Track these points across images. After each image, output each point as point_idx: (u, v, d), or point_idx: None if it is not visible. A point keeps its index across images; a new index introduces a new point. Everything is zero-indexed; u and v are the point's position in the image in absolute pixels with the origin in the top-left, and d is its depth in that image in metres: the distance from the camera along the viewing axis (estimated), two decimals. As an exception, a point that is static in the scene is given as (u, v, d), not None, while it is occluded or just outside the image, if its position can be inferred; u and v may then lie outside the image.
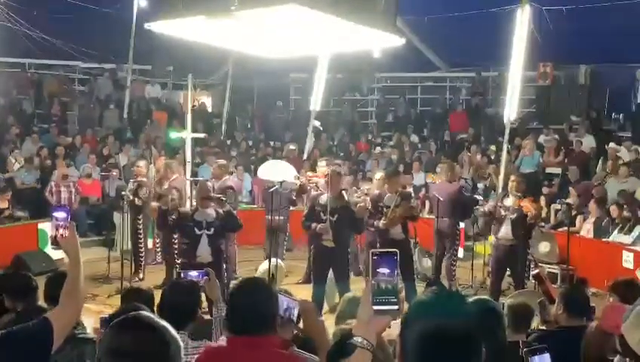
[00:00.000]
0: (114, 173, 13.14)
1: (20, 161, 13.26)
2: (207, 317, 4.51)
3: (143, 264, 10.53)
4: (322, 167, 11.07)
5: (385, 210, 8.57)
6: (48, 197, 12.14)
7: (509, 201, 8.70)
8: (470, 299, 2.66)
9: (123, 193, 10.49)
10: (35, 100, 17.22)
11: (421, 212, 10.99)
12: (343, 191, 8.20)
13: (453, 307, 1.75)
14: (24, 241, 10.71)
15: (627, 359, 1.47)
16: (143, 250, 10.59)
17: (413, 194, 9.36)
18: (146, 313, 1.93)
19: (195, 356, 2.91)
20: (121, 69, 18.08)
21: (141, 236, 10.57)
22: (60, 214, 2.84)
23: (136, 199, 10.21)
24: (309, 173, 11.32)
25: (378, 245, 8.49)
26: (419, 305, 1.82)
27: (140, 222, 10.44)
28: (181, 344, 1.86)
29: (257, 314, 2.68)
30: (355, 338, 2.06)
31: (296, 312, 2.82)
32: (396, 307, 2.01)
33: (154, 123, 17.14)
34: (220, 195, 8.48)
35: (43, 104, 17.32)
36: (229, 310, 2.79)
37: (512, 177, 9.18)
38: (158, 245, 11.48)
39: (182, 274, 4.08)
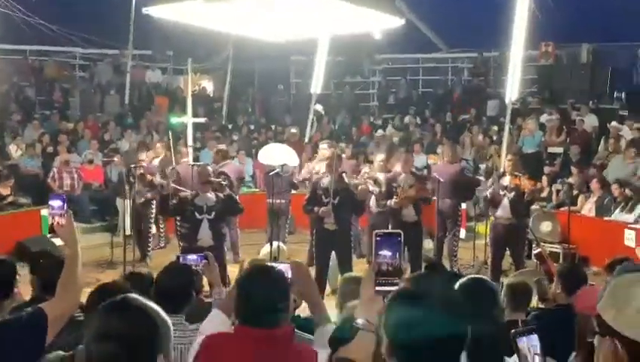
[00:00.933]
0: (115, 159, 13.16)
1: (21, 148, 13.28)
2: (209, 300, 4.53)
3: (150, 248, 10.66)
4: (324, 149, 11.06)
5: (398, 190, 8.58)
6: (51, 184, 12.18)
7: (506, 181, 8.72)
8: (464, 279, 2.67)
9: (132, 181, 10.55)
10: (36, 87, 17.22)
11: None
12: (343, 174, 8.20)
13: (433, 295, 1.74)
14: (27, 228, 10.73)
15: (607, 337, 1.47)
16: (151, 234, 10.75)
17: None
18: (134, 295, 1.89)
19: (194, 338, 2.91)
20: (121, 54, 18.04)
21: (152, 221, 10.75)
22: (56, 202, 2.77)
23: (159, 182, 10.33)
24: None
25: (390, 227, 8.47)
26: (400, 291, 1.82)
27: (153, 207, 10.54)
28: (171, 326, 1.84)
29: (273, 307, 2.59)
30: (357, 321, 2.05)
31: (290, 274, 2.80)
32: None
33: (155, 108, 17.13)
34: (219, 180, 8.51)
35: (44, 90, 17.33)
36: (240, 300, 2.67)
37: (509, 157, 9.29)
38: (162, 230, 11.55)
39: (181, 258, 4.11)
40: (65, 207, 2.78)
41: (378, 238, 2.06)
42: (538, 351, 2.01)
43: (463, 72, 19.47)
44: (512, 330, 2.03)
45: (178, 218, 9.08)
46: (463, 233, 10.56)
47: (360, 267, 8.43)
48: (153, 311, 1.83)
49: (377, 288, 2.03)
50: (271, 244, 9.14)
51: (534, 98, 16.99)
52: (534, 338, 2.03)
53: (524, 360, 2.00)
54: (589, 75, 16.58)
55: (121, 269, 9.33)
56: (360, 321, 2.04)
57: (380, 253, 2.04)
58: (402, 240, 2.07)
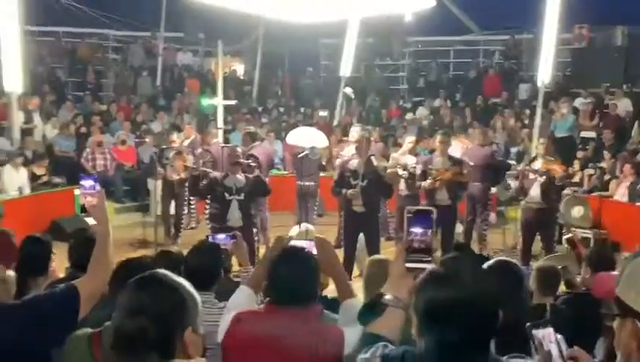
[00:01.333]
0: (147, 141, 13.30)
1: (56, 127, 13.48)
2: (238, 279, 4.59)
3: (182, 228, 10.80)
4: (355, 132, 11.03)
5: (433, 172, 8.55)
6: (84, 164, 12.37)
7: (537, 164, 8.64)
8: (491, 261, 2.66)
9: (165, 162, 10.64)
10: (69, 68, 17.45)
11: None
12: (372, 157, 8.19)
13: (464, 277, 1.75)
14: (61, 207, 10.94)
15: (628, 319, 1.48)
16: (183, 214, 10.89)
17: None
18: (161, 270, 1.90)
19: (223, 315, 2.95)
20: (153, 36, 18.18)
21: (185, 202, 10.86)
22: (87, 182, 2.79)
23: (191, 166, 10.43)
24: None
25: None
26: (431, 273, 1.83)
27: (187, 188, 10.66)
28: (199, 300, 1.86)
29: (302, 287, 2.66)
30: (385, 297, 2.04)
31: (315, 251, 2.84)
32: (430, 266, 1.97)
33: (186, 90, 17.26)
34: (248, 161, 8.56)
35: (77, 72, 17.55)
36: (269, 280, 2.74)
37: (541, 140, 9.21)
38: (193, 211, 11.66)
39: (210, 238, 4.16)
40: (96, 187, 2.80)
41: (409, 215, 2.05)
42: (553, 339, 2.00)
43: (495, 54, 19.21)
44: (527, 324, 2.02)
45: (208, 199, 9.19)
46: (493, 217, 10.49)
47: (388, 250, 8.44)
48: (180, 285, 1.84)
49: (408, 264, 2.02)
50: (299, 226, 9.18)
51: (567, 82, 16.73)
52: (549, 332, 2.01)
53: (539, 347, 1.99)
54: (624, 58, 16.27)
55: (152, 248, 9.48)
56: (389, 297, 2.03)
57: (412, 229, 2.03)
58: (434, 217, 2.05)
